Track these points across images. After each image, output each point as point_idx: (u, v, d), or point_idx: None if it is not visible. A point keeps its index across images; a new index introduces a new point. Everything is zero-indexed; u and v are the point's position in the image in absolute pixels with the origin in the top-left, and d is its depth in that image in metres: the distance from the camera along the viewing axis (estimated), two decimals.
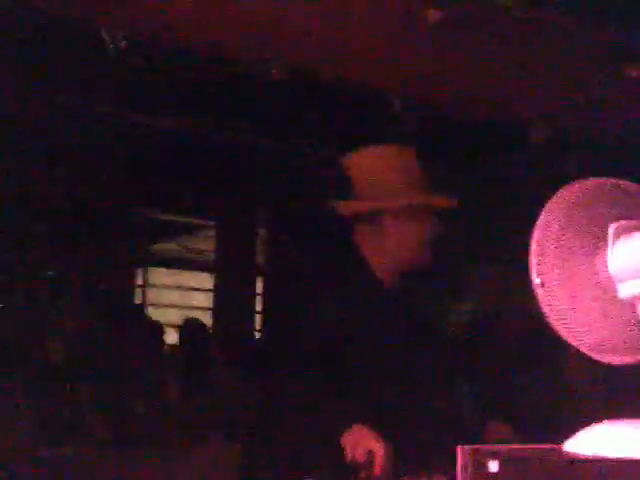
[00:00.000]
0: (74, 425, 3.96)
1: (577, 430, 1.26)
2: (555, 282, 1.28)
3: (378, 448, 2.04)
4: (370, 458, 2.03)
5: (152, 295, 6.48)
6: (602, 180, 1.35)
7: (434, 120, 3.79)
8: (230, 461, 2.52)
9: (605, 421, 1.26)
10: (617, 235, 1.28)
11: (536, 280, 1.28)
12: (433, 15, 3.02)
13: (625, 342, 1.27)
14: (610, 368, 1.29)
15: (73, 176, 4.42)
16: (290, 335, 2.29)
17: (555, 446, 1.23)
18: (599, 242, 1.29)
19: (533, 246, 1.29)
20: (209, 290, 6.11)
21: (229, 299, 5.59)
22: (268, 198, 5.22)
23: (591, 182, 1.34)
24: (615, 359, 1.27)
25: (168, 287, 6.60)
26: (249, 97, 3.69)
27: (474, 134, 3.98)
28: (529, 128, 3.59)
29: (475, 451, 1.13)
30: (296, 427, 2.20)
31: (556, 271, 1.28)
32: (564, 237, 1.30)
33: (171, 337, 5.15)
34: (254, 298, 5.53)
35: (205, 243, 6.13)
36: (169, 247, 6.42)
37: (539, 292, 1.28)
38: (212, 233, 5.89)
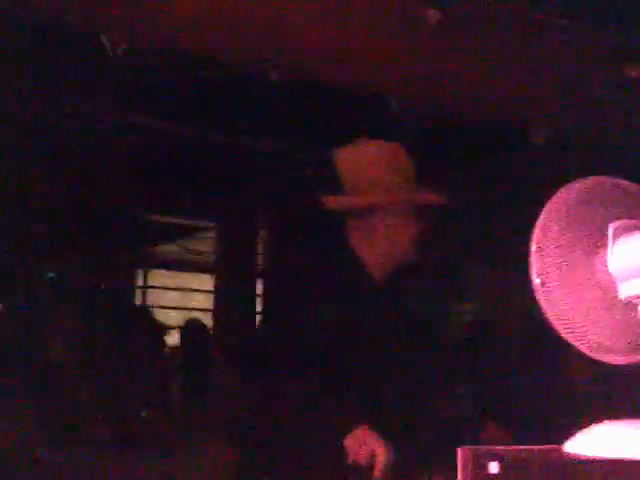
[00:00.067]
0: (74, 426, 3.96)
1: (577, 431, 1.25)
2: (555, 282, 1.27)
3: (380, 451, 2.03)
4: (372, 460, 2.03)
5: (152, 296, 6.48)
6: (602, 179, 1.34)
7: (434, 120, 3.79)
8: (229, 462, 2.51)
9: (605, 421, 1.26)
10: (617, 235, 1.27)
11: (536, 280, 1.28)
12: (433, 15, 3.02)
13: (626, 342, 1.27)
14: (611, 368, 1.29)
15: (73, 178, 4.42)
16: (286, 335, 2.29)
17: (555, 447, 1.22)
18: (599, 242, 1.29)
19: (533, 246, 1.29)
20: (209, 291, 6.11)
21: (229, 300, 5.58)
22: (268, 199, 5.22)
23: (591, 181, 1.34)
24: (616, 359, 1.27)
25: (168, 289, 6.60)
26: (249, 98, 3.69)
27: (474, 134, 3.98)
28: (529, 128, 3.59)
29: (475, 452, 1.13)
30: (295, 428, 2.20)
31: (556, 271, 1.28)
32: (564, 237, 1.30)
33: (172, 338, 5.15)
34: (254, 299, 5.53)
35: (205, 244, 6.13)
36: (169, 249, 6.42)
37: (539, 292, 1.27)
38: (212, 234, 5.88)
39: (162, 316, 5.57)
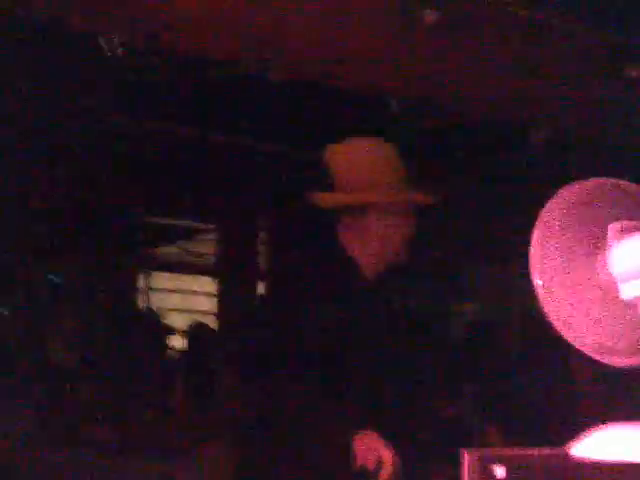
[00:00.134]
0: (76, 428, 3.96)
1: (582, 433, 1.25)
2: (556, 283, 1.27)
3: (388, 457, 2.03)
4: (379, 467, 2.03)
5: (153, 299, 6.47)
6: (602, 180, 1.34)
7: (434, 120, 3.79)
8: (231, 465, 2.51)
9: (610, 424, 1.25)
10: (618, 235, 1.27)
11: (537, 281, 1.27)
12: (432, 16, 3.01)
13: (627, 343, 1.26)
14: (614, 370, 1.29)
15: (74, 180, 4.41)
16: (277, 336, 2.27)
17: (561, 450, 1.22)
18: (599, 243, 1.29)
19: (533, 247, 1.28)
20: (211, 294, 6.11)
21: (231, 302, 5.57)
22: (268, 200, 5.21)
23: (591, 182, 1.34)
24: (619, 361, 1.27)
25: (170, 291, 6.60)
26: (249, 98, 3.68)
27: (474, 134, 3.97)
28: (529, 128, 3.59)
29: (480, 456, 1.12)
30: (297, 430, 2.19)
31: (557, 272, 1.27)
32: (564, 238, 1.29)
33: (175, 341, 5.15)
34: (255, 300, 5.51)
35: (206, 246, 6.12)
36: (170, 251, 6.41)
37: (540, 293, 1.27)
38: (213, 236, 5.88)
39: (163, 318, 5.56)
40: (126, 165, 4.46)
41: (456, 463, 1.17)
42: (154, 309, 5.97)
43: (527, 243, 1.29)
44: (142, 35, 2.89)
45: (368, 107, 3.55)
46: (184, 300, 6.53)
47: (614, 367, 1.29)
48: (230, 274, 5.60)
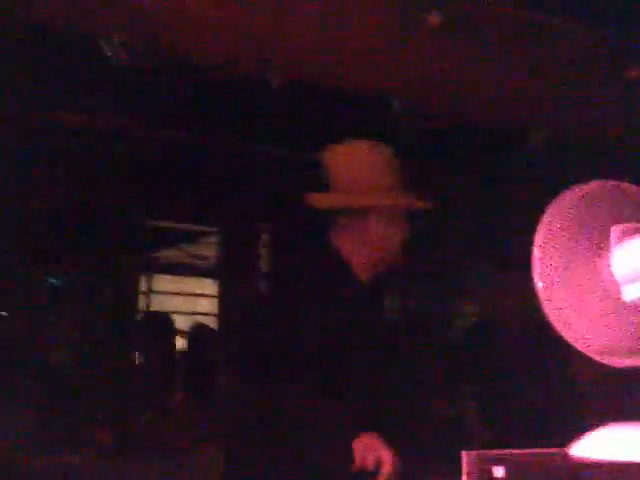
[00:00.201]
0: (76, 429, 3.96)
1: (582, 434, 1.25)
2: (558, 285, 1.27)
3: (387, 458, 2.04)
4: (378, 467, 2.04)
5: (156, 301, 6.47)
6: (602, 182, 1.34)
7: (434, 120, 3.79)
8: (230, 465, 2.51)
9: (610, 424, 1.26)
10: (620, 237, 1.27)
11: (539, 283, 1.27)
12: (432, 17, 3.02)
13: (630, 345, 1.27)
14: (615, 371, 1.29)
15: (75, 183, 4.41)
16: (280, 339, 2.27)
17: (560, 450, 1.22)
18: (601, 245, 1.29)
19: (535, 250, 1.28)
20: (213, 296, 6.11)
21: (232, 304, 5.57)
22: (270, 202, 5.21)
23: (591, 185, 1.34)
24: (620, 362, 1.27)
25: (172, 294, 6.60)
26: (249, 100, 3.68)
27: (475, 135, 3.97)
28: (529, 129, 3.59)
29: (480, 456, 1.12)
30: (297, 431, 2.19)
31: (559, 274, 1.28)
32: (566, 240, 1.29)
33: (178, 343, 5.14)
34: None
35: (208, 249, 6.13)
36: (172, 254, 6.42)
37: (542, 296, 1.27)
38: (214, 239, 5.88)
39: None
40: (127, 168, 4.46)
41: (455, 463, 1.17)
42: (164, 312, 5.98)
43: (529, 245, 1.29)
44: (142, 36, 2.90)
45: (368, 108, 3.55)
46: (186, 302, 6.53)
47: (614, 368, 1.29)
48: (232, 276, 5.60)
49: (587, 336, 1.26)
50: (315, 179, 2.43)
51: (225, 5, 2.85)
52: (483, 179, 4.47)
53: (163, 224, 5.77)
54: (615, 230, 1.26)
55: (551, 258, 1.27)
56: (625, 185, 1.36)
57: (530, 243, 1.30)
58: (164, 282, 6.61)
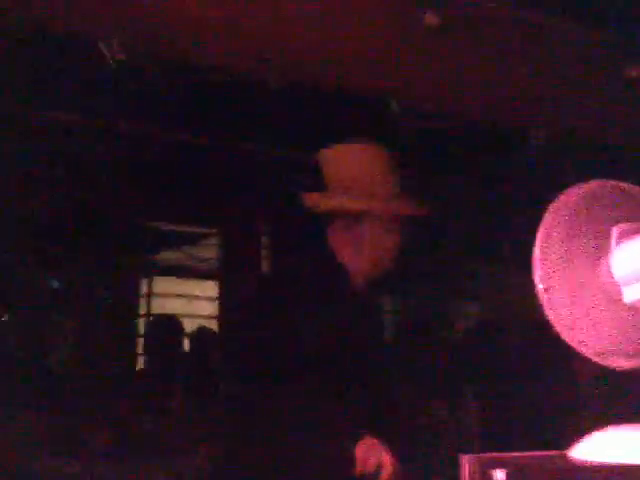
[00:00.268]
0: (76, 432, 3.96)
1: (582, 436, 1.24)
2: (559, 287, 1.27)
3: (388, 462, 2.05)
4: (378, 469, 2.04)
5: (157, 304, 6.48)
6: (603, 182, 1.34)
7: (434, 121, 3.78)
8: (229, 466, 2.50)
9: (610, 427, 1.25)
10: (621, 238, 1.27)
11: (540, 285, 1.27)
12: (432, 17, 3.01)
13: (630, 346, 1.26)
14: (615, 373, 1.28)
15: (76, 185, 4.41)
16: (276, 340, 2.26)
17: (561, 453, 1.22)
18: (602, 245, 1.28)
19: (536, 251, 1.28)
20: (214, 298, 6.11)
21: (231, 307, 5.56)
22: (270, 204, 5.21)
23: (592, 185, 1.33)
24: (621, 364, 1.26)
25: (172, 296, 6.60)
26: (249, 101, 3.67)
27: (475, 136, 3.96)
28: (529, 129, 3.58)
29: (480, 460, 1.12)
30: (297, 432, 2.19)
31: (560, 276, 1.27)
32: (567, 241, 1.29)
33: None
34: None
35: (208, 251, 6.13)
36: (173, 256, 6.42)
37: (543, 297, 1.27)
38: (215, 241, 5.88)
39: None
40: (128, 169, 4.46)
41: (454, 466, 1.16)
42: (166, 314, 5.99)
43: (528, 247, 1.29)
44: (141, 37, 2.89)
45: (367, 108, 3.54)
46: (187, 305, 6.53)
47: (615, 369, 1.28)
48: (232, 278, 5.60)
49: (587, 338, 1.25)
50: (313, 180, 2.42)
51: (225, 5, 2.84)
52: (483, 179, 4.46)
53: (164, 226, 5.77)
54: (615, 231, 1.26)
55: (551, 259, 1.27)
56: (625, 185, 1.36)
57: (530, 243, 1.30)
58: (165, 284, 6.61)
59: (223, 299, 5.76)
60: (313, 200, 2.41)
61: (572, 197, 1.30)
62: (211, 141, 4.31)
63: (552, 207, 1.30)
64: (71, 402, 4.13)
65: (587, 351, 1.26)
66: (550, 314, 1.26)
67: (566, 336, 1.26)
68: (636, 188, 1.35)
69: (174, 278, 6.66)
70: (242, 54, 3.07)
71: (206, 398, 3.98)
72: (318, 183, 2.41)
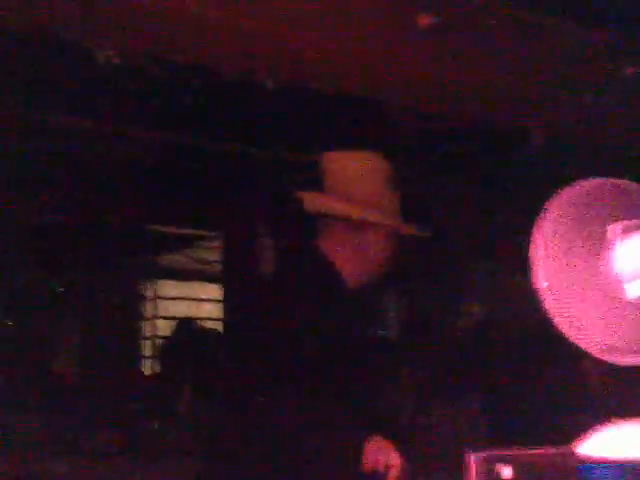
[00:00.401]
0: (80, 435, 3.96)
1: (588, 432, 1.25)
2: (560, 284, 1.27)
3: (396, 462, 2.06)
4: (387, 469, 2.06)
5: (161, 306, 6.50)
6: (602, 180, 1.34)
7: (434, 122, 3.79)
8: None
9: (616, 422, 1.25)
10: (621, 235, 1.27)
11: (540, 282, 1.27)
12: (429, 20, 3.02)
13: (634, 342, 1.26)
14: (619, 369, 1.28)
15: (80, 189, 4.41)
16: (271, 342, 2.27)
17: (567, 448, 1.22)
18: (602, 243, 1.29)
19: (536, 249, 1.28)
20: (217, 300, 6.12)
21: (231, 309, 5.56)
22: (271, 205, 5.21)
23: (591, 182, 1.34)
24: (624, 360, 1.27)
25: (177, 299, 6.62)
26: (248, 103, 3.67)
27: (475, 136, 3.97)
28: (529, 129, 3.59)
29: (486, 458, 1.12)
30: (302, 433, 2.20)
31: (560, 273, 1.28)
32: (566, 238, 1.29)
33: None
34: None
35: (211, 253, 6.13)
36: (177, 259, 6.43)
37: (545, 295, 1.27)
38: (218, 243, 5.88)
39: (171, 326, 5.58)
40: (130, 174, 4.46)
41: (461, 465, 1.17)
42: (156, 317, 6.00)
43: (529, 244, 1.29)
44: (141, 36, 2.89)
45: (367, 108, 3.55)
46: (190, 307, 6.54)
47: (622, 366, 1.29)
48: (233, 281, 5.60)
49: (590, 334, 1.26)
50: (312, 180, 2.42)
51: (225, 5, 2.84)
52: (482, 180, 4.47)
53: (167, 230, 5.78)
54: (616, 228, 1.26)
55: (551, 257, 1.27)
56: (625, 182, 1.36)
57: (530, 242, 1.30)
58: (168, 287, 6.62)
59: (225, 301, 5.77)
60: (312, 200, 2.41)
61: (570, 194, 1.30)
62: (212, 143, 4.30)
63: (551, 205, 1.30)
64: (74, 403, 4.14)
65: (590, 347, 1.26)
66: (551, 311, 1.26)
67: (569, 332, 1.26)
68: (634, 185, 1.36)
69: (178, 281, 6.67)
70: (242, 54, 3.07)
71: (209, 399, 3.99)
72: (316, 183, 2.42)
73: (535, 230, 1.30)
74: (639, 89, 3.20)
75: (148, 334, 6.14)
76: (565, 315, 1.27)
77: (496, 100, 3.51)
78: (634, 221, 1.27)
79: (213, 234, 5.91)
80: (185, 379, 4.51)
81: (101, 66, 2.97)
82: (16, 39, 2.94)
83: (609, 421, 1.25)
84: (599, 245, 1.29)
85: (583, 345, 1.26)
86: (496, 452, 1.16)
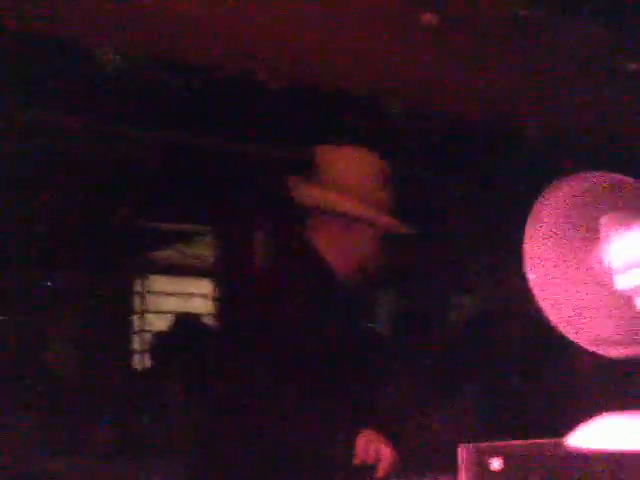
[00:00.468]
0: (76, 432, 3.96)
1: (579, 424, 1.25)
2: (551, 276, 1.27)
3: (386, 453, 2.06)
4: (377, 461, 2.07)
5: (152, 302, 6.50)
6: (593, 173, 1.34)
7: (434, 119, 3.79)
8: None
9: (607, 414, 1.25)
10: (612, 227, 1.27)
11: (531, 275, 1.27)
12: (430, 18, 3.02)
13: (624, 334, 1.26)
14: (610, 361, 1.29)
15: (72, 185, 4.41)
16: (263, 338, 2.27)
17: (558, 440, 1.22)
18: (593, 234, 1.29)
19: (527, 241, 1.29)
20: (208, 295, 6.13)
21: (227, 304, 5.56)
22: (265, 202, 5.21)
23: (583, 175, 1.34)
24: (615, 352, 1.27)
25: (168, 294, 6.62)
26: (246, 101, 3.68)
27: (475, 133, 3.97)
28: (527, 127, 3.59)
29: (477, 449, 1.12)
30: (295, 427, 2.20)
31: (551, 265, 1.28)
32: (558, 231, 1.30)
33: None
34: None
35: (202, 249, 6.14)
36: (168, 254, 6.43)
37: (535, 287, 1.27)
38: (209, 239, 5.89)
39: (162, 322, 5.59)
40: (123, 170, 4.46)
41: (453, 457, 1.17)
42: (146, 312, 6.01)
43: (521, 237, 1.29)
44: (141, 37, 2.90)
45: (366, 108, 3.55)
46: (181, 302, 6.55)
47: (613, 358, 1.29)
48: (226, 276, 5.60)
49: (580, 326, 1.26)
50: (304, 173, 2.43)
51: (225, 5, 2.85)
52: (481, 177, 4.47)
53: (158, 224, 5.78)
54: (606, 219, 1.26)
55: (543, 249, 1.27)
56: (616, 176, 1.36)
57: (522, 236, 1.30)
58: (159, 282, 6.63)
59: (217, 296, 5.78)
60: (304, 192, 2.42)
61: (563, 187, 1.31)
62: (206, 140, 4.31)
63: (543, 197, 1.30)
64: (69, 401, 4.14)
65: (580, 340, 1.26)
66: (542, 304, 1.26)
67: (559, 325, 1.26)
68: (626, 179, 1.36)
69: (169, 276, 6.68)
70: (241, 54, 3.08)
71: (203, 396, 3.99)
72: (308, 176, 2.42)
73: (527, 222, 1.30)
74: (638, 87, 3.20)
75: (138, 329, 6.14)
76: (556, 307, 1.27)
77: (495, 98, 3.52)
78: (625, 213, 1.27)
79: (204, 229, 5.92)
80: (179, 375, 4.51)
81: (101, 66, 2.97)
82: (16, 39, 2.94)
83: (600, 413, 1.25)
84: (590, 237, 1.29)
85: (573, 337, 1.27)
86: (487, 444, 1.16)
